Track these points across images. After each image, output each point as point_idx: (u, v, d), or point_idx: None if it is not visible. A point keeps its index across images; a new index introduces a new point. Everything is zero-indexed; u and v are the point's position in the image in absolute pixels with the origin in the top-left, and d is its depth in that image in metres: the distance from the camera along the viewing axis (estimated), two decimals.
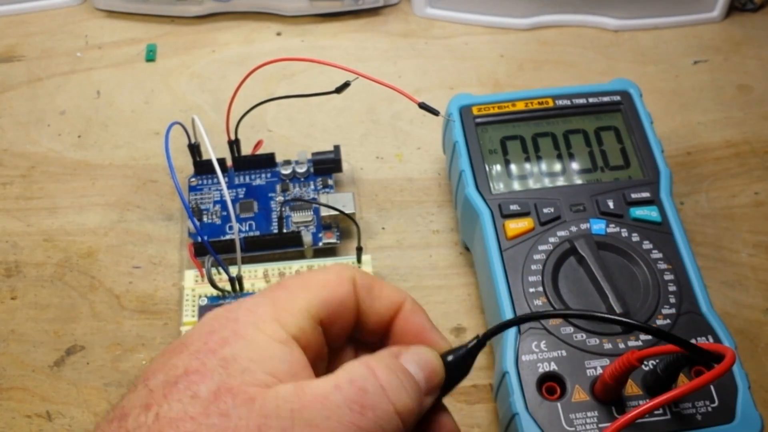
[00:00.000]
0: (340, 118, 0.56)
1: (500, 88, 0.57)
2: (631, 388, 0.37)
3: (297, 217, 0.48)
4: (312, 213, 0.49)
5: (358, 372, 0.28)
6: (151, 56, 0.59)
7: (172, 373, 0.27)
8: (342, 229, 0.49)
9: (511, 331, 0.39)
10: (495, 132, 0.47)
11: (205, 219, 0.49)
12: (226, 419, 0.25)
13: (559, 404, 0.37)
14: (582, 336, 0.39)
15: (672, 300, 0.40)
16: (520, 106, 0.47)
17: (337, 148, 0.51)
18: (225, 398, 0.26)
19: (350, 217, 0.47)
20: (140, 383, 0.27)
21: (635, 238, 0.42)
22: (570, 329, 0.39)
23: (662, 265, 0.41)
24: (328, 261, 0.47)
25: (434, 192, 0.52)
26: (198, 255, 0.47)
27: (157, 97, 0.57)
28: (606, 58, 0.59)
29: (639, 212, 0.43)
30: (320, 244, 0.48)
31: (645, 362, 0.37)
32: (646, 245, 0.42)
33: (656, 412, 0.37)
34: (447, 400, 0.43)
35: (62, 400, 0.43)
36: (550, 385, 0.38)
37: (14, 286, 0.48)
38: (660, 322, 0.39)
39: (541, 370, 0.38)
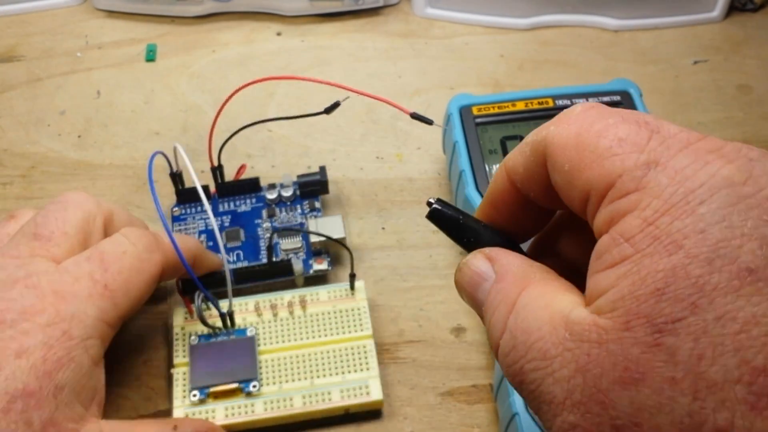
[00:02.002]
0: (340, 118, 0.56)
1: (500, 88, 0.57)
2: None
3: (286, 244, 0.46)
4: (301, 239, 0.46)
5: None
6: (151, 56, 0.59)
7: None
8: (333, 254, 0.47)
9: None
10: (495, 132, 0.47)
11: None
12: None
13: None
14: None
15: None
16: (520, 106, 0.47)
17: (322, 169, 0.49)
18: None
19: (341, 242, 0.45)
20: None
21: None
22: None
23: None
24: (321, 289, 0.45)
25: (434, 192, 0.52)
26: (186, 291, 0.44)
27: (157, 97, 0.57)
28: (606, 58, 0.59)
29: None
30: (311, 271, 0.46)
31: None
32: None
33: None
34: (448, 400, 0.43)
35: None
36: None
37: None
38: None
39: None
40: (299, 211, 0.48)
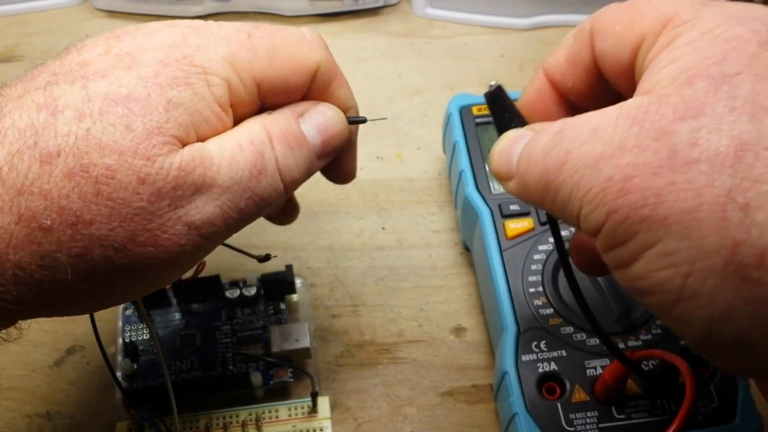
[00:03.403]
0: None
1: None
2: (631, 387, 0.37)
3: (245, 350, 0.42)
4: (262, 345, 0.42)
5: (257, 134, 0.29)
6: None
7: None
8: (298, 362, 0.43)
9: (511, 332, 0.39)
10: (495, 132, 0.47)
11: (142, 357, 0.42)
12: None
13: (558, 404, 0.37)
14: (582, 336, 0.39)
15: None
16: None
17: (289, 268, 0.44)
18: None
19: (301, 369, 0.42)
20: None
21: None
22: (570, 329, 0.39)
23: None
24: (281, 405, 0.41)
25: (434, 192, 0.52)
26: (131, 405, 0.40)
27: None
28: None
29: None
30: (272, 383, 0.42)
31: (645, 362, 0.37)
32: None
33: (656, 412, 0.37)
34: (448, 400, 0.43)
35: (62, 400, 0.43)
36: (550, 385, 0.38)
37: None
38: (659, 321, 0.39)
39: (541, 370, 0.38)
40: (262, 312, 0.44)
